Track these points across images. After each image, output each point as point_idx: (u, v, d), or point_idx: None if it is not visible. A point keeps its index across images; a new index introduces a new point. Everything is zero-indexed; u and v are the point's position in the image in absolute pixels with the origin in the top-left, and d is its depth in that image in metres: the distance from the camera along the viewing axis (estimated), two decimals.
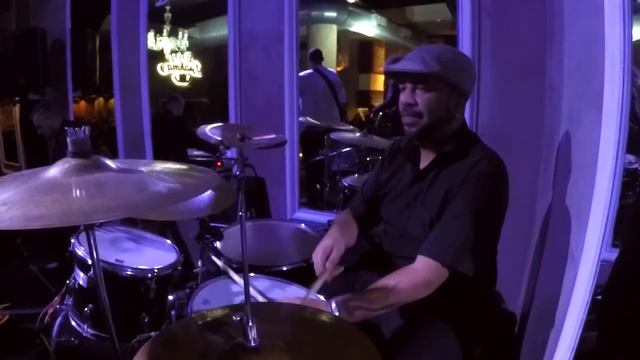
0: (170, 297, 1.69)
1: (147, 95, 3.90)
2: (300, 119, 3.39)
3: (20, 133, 4.44)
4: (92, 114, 6.95)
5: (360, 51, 8.06)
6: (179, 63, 6.21)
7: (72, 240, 1.74)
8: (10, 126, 4.61)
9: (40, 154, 4.18)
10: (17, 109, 4.42)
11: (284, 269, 1.74)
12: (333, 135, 3.17)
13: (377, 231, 1.68)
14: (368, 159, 3.78)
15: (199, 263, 1.84)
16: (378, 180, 1.64)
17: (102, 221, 1.54)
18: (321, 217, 3.14)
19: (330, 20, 6.54)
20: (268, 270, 1.71)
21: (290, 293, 1.55)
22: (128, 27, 3.80)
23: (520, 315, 1.84)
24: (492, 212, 1.38)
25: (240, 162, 1.78)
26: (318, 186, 3.58)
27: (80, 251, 1.69)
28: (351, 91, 7.16)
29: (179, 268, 1.78)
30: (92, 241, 1.01)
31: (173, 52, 6.17)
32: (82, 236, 1.72)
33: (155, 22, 5.74)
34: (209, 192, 1.33)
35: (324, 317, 1.08)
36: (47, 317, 1.86)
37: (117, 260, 1.70)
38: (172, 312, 1.65)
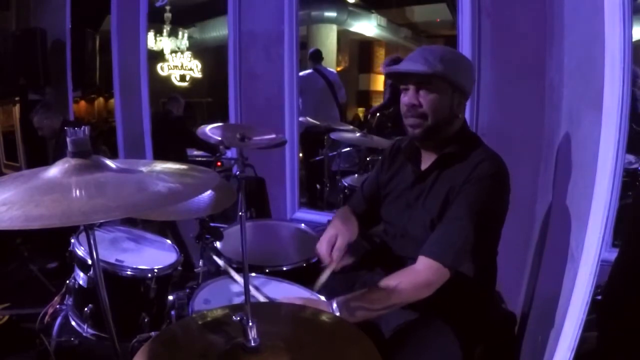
0: (170, 297, 1.70)
1: (147, 95, 3.91)
2: (300, 119, 3.39)
3: (20, 133, 4.44)
4: (92, 114, 6.95)
5: (360, 51, 8.06)
6: (179, 63, 6.20)
7: (72, 240, 1.74)
8: (10, 126, 4.61)
9: (40, 154, 4.18)
10: (17, 109, 4.43)
11: (284, 269, 1.74)
12: (333, 135, 3.17)
13: (377, 231, 1.68)
14: (368, 159, 3.78)
15: (200, 263, 1.84)
16: (378, 180, 1.64)
17: (102, 221, 1.54)
18: (321, 217, 3.14)
19: (330, 20, 6.54)
20: (268, 270, 1.71)
21: (291, 293, 1.55)
22: (128, 27, 3.80)
23: (520, 315, 1.84)
24: (493, 214, 1.38)
25: (240, 162, 1.78)
26: (318, 186, 3.58)
27: (80, 251, 1.69)
28: (351, 91, 7.15)
29: (179, 268, 1.78)
30: (92, 241, 1.01)
31: (173, 52, 6.17)
32: (82, 236, 1.72)
33: (155, 22, 5.73)
34: (209, 192, 1.33)
35: (324, 317, 1.08)
36: (47, 317, 1.86)
37: (117, 260, 1.70)
38: (172, 312, 1.65)
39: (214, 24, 6.24)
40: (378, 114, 4.41)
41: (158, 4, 5.28)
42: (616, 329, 1.29)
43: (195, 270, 1.86)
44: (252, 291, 1.46)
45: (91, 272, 1.64)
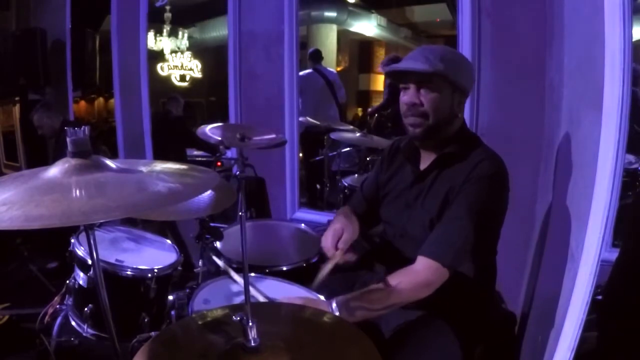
0: (170, 297, 1.69)
1: (147, 95, 3.90)
2: (300, 119, 3.39)
3: (20, 133, 4.44)
4: (92, 114, 6.95)
5: (360, 51, 8.05)
6: (179, 63, 6.20)
7: (72, 240, 1.74)
8: (10, 126, 4.61)
9: (40, 154, 4.18)
10: (17, 109, 4.43)
11: (284, 269, 1.74)
12: (333, 135, 3.17)
13: (377, 231, 1.68)
14: (368, 159, 3.78)
15: (200, 263, 1.84)
16: (377, 180, 1.64)
17: (102, 221, 1.54)
18: (321, 217, 3.14)
19: (330, 20, 6.53)
20: (268, 271, 1.71)
21: (291, 293, 1.55)
22: (128, 27, 3.80)
23: (520, 315, 1.84)
24: (492, 213, 1.38)
25: (240, 162, 1.78)
26: (318, 186, 3.58)
27: (80, 251, 1.69)
28: (351, 91, 7.15)
29: (179, 268, 1.78)
30: (92, 241, 1.01)
31: (173, 52, 6.16)
32: (82, 236, 1.72)
33: (155, 22, 5.73)
34: (209, 192, 1.33)
35: (324, 317, 1.08)
36: (47, 317, 1.86)
37: (117, 260, 1.70)
38: (172, 312, 1.65)
39: (214, 24, 6.24)
40: (376, 115, 4.41)
41: (158, 4, 5.27)
42: (616, 329, 1.30)
43: (195, 270, 1.86)
44: (252, 291, 1.46)
45: (91, 272, 1.64)
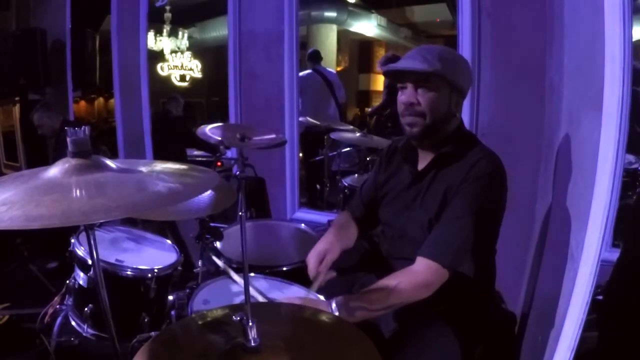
0: (170, 297, 1.69)
1: (147, 95, 3.91)
2: (300, 119, 3.39)
3: (20, 133, 4.44)
4: (92, 114, 6.95)
5: (360, 51, 8.06)
6: (179, 63, 6.20)
7: (72, 240, 1.74)
8: (10, 126, 4.61)
9: (40, 154, 4.18)
10: (17, 109, 4.42)
11: (284, 269, 1.74)
12: (333, 135, 3.17)
13: (376, 231, 1.68)
14: (368, 159, 3.78)
15: (199, 263, 1.84)
16: (376, 181, 1.63)
17: (102, 221, 1.54)
18: (321, 217, 3.14)
19: (330, 20, 6.53)
20: (268, 271, 1.71)
21: (291, 293, 1.55)
22: (128, 27, 3.80)
23: (520, 315, 1.84)
24: (491, 213, 1.38)
25: (240, 162, 1.78)
26: (318, 186, 3.58)
27: (80, 251, 1.69)
28: (351, 91, 7.15)
29: (179, 268, 1.78)
30: (92, 241, 1.01)
31: (173, 52, 6.17)
32: (82, 236, 1.72)
33: (155, 22, 5.73)
34: (209, 192, 1.33)
35: (324, 317, 1.08)
36: (47, 317, 1.86)
37: (117, 260, 1.70)
38: (172, 312, 1.65)
39: (214, 24, 6.24)
40: (376, 116, 4.41)
41: (158, 4, 5.28)
42: (616, 329, 1.30)
43: (195, 270, 1.86)
44: (252, 291, 1.46)
45: (91, 272, 1.64)
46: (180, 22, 6.16)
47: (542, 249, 1.87)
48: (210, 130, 2.05)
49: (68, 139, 0.92)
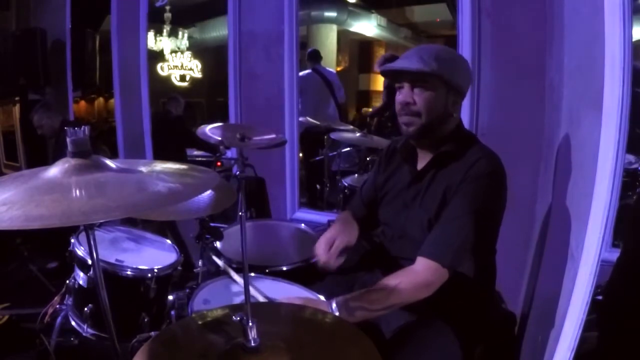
0: (170, 297, 1.69)
1: (147, 95, 3.91)
2: (300, 119, 3.39)
3: (20, 133, 4.44)
4: (92, 114, 6.94)
5: (360, 51, 8.05)
6: (179, 63, 6.20)
7: (72, 240, 1.74)
8: (10, 126, 4.61)
9: (40, 154, 4.18)
10: (17, 109, 4.43)
11: (284, 269, 1.74)
12: (333, 135, 3.17)
13: (376, 232, 1.68)
14: (368, 159, 3.78)
15: (200, 263, 1.84)
16: (375, 181, 1.64)
17: (102, 221, 1.54)
18: (321, 217, 3.14)
19: (330, 20, 6.53)
20: (268, 270, 1.71)
21: (291, 293, 1.55)
22: (128, 27, 3.80)
23: (520, 315, 1.84)
24: (491, 212, 1.38)
25: (240, 162, 1.78)
26: (318, 186, 3.58)
27: (80, 251, 1.69)
28: (351, 91, 7.15)
29: (179, 268, 1.78)
30: (92, 241, 1.01)
31: (173, 52, 6.16)
32: (82, 236, 1.72)
33: (155, 22, 5.73)
34: (209, 192, 1.33)
35: (324, 317, 1.09)
36: (47, 317, 1.86)
37: (117, 260, 1.70)
38: (172, 312, 1.65)
39: (214, 24, 6.24)
40: (376, 118, 4.41)
41: (158, 4, 5.27)
42: (616, 329, 1.30)
43: (195, 270, 1.85)
44: (252, 291, 1.46)
45: (91, 272, 1.64)
46: (180, 22, 6.15)
47: (542, 249, 1.87)
48: (210, 130, 2.05)
49: (68, 139, 0.92)
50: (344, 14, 6.57)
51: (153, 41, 5.85)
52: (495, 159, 1.39)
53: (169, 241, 1.94)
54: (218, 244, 1.84)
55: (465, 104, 2.32)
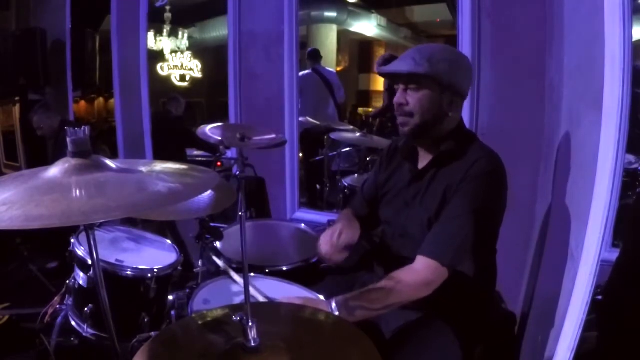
0: (170, 297, 1.69)
1: (147, 95, 3.90)
2: (300, 119, 3.39)
3: (20, 133, 4.44)
4: (92, 114, 6.94)
5: (360, 51, 8.05)
6: (179, 63, 6.20)
7: (72, 240, 1.74)
8: (10, 126, 4.61)
9: (40, 154, 4.18)
10: (17, 109, 4.42)
11: (284, 269, 1.74)
12: (333, 135, 3.17)
13: (377, 231, 1.68)
14: (368, 159, 3.78)
15: (200, 263, 1.84)
16: (377, 180, 1.64)
17: (102, 221, 1.54)
18: (321, 217, 3.14)
19: (330, 20, 6.53)
20: (268, 270, 1.71)
21: (291, 293, 1.55)
22: (128, 27, 3.80)
23: (520, 315, 1.84)
24: (491, 211, 1.38)
25: (240, 162, 1.78)
26: (318, 186, 3.58)
27: (80, 251, 1.69)
28: (351, 91, 7.15)
29: (179, 268, 1.78)
30: (92, 241, 1.01)
31: (173, 52, 6.16)
32: (82, 236, 1.72)
33: (155, 22, 5.73)
34: (209, 192, 1.33)
35: (324, 317, 1.08)
36: (47, 317, 1.86)
37: (117, 260, 1.70)
38: (172, 312, 1.65)
39: (214, 24, 6.24)
40: (379, 119, 4.41)
41: (158, 4, 5.28)
42: (616, 329, 1.30)
43: (195, 270, 1.85)
44: (252, 291, 1.46)
45: (91, 272, 1.64)
46: (180, 22, 6.15)
47: (542, 249, 1.87)
48: (210, 130, 2.05)
49: (68, 139, 0.92)
50: (344, 14, 6.58)
51: (153, 41, 5.85)
52: (496, 159, 1.39)
53: (169, 241, 1.94)
54: (218, 244, 1.84)
55: (465, 104, 2.31)
